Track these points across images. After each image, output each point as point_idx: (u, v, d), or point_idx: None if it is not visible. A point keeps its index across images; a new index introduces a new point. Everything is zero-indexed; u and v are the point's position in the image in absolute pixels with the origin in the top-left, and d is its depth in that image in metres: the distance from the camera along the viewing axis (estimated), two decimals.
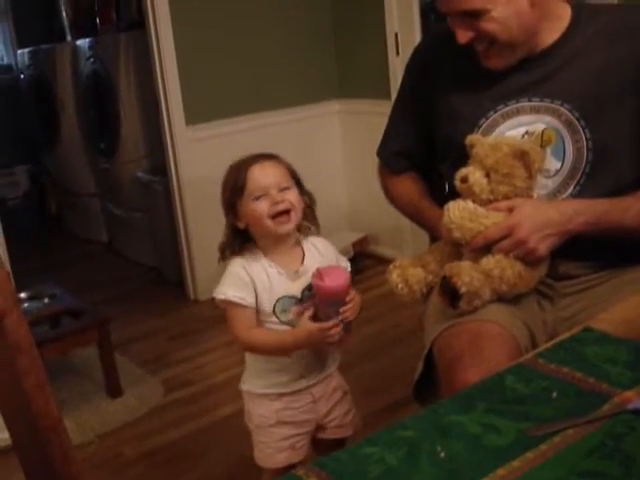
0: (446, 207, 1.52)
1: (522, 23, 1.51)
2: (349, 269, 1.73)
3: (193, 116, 3.75)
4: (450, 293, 1.48)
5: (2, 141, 6.23)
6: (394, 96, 1.90)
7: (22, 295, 3.05)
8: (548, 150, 1.56)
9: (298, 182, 1.68)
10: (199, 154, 3.77)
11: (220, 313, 1.71)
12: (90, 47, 4.70)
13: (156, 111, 3.78)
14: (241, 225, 1.66)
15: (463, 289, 1.45)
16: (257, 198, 1.61)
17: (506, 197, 1.51)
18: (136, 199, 4.46)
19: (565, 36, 1.57)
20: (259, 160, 1.64)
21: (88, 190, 5.14)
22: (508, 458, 0.91)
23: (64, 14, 5.45)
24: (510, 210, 1.48)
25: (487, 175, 1.50)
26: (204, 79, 3.77)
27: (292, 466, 1.71)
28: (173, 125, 3.71)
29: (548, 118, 1.56)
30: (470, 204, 1.50)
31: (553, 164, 1.56)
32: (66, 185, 5.41)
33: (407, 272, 1.59)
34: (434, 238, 1.75)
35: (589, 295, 1.58)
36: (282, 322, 1.66)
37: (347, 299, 1.61)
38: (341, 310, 1.61)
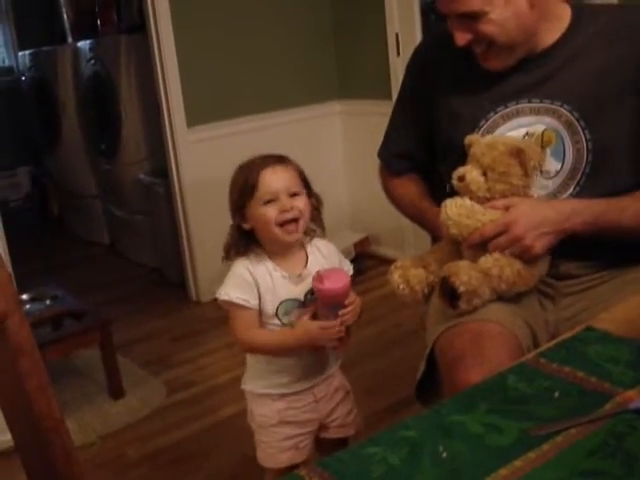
0: (443, 204, 1.52)
1: (521, 24, 1.51)
2: (351, 272, 1.73)
3: (194, 118, 3.76)
4: (449, 293, 1.49)
5: (3, 143, 6.24)
6: (395, 96, 1.90)
7: (24, 297, 3.05)
8: (548, 151, 1.56)
9: (307, 184, 1.68)
10: (200, 156, 3.77)
11: (222, 314, 1.71)
12: (91, 49, 4.70)
13: (157, 113, 3.79)
14: (247, 226, 1.65)
15: (462, 288, 1.45)
16: (266, 203, 1.60)
17: (503, 195, 1.51)
18: (138, 201, 4.46)
19: (565, 36, 1.57)
20: (271, 163, 1.63)
21: (90, 192, 5.15)
22: (510, 458, 0.91)
23: (65, 16, 5.45)
24: (507, 208, 1.49)
25: (484, 174, 1.51)
26: (205, 81, 3.77)
27: (295, 466, 1.71)
28: (174, 127, 3.72)
29: (548, 119, 1.56)
30: (467, 201, 1.51)
31: (553, 165, 1.56)
32: (68, 187, 5.42)
33: (408, 273, 1.59)
34: (435, 239, 1.75)
35: (591, 295, 1.58)
36: (284, 324, 1.66)
37: (347, 302, 1.62)
38: (340, 313, 1.61)
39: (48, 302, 3.07)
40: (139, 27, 4.07)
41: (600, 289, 1.58)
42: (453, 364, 1.43)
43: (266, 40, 3.96)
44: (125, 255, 4.81)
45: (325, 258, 1.71)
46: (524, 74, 1.58)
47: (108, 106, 4.54)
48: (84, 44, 4.81)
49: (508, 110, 1.59)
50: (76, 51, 4.94)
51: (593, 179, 1.54)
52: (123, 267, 4.68)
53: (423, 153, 1.80)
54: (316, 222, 1.72)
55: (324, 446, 1.81)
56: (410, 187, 1.83)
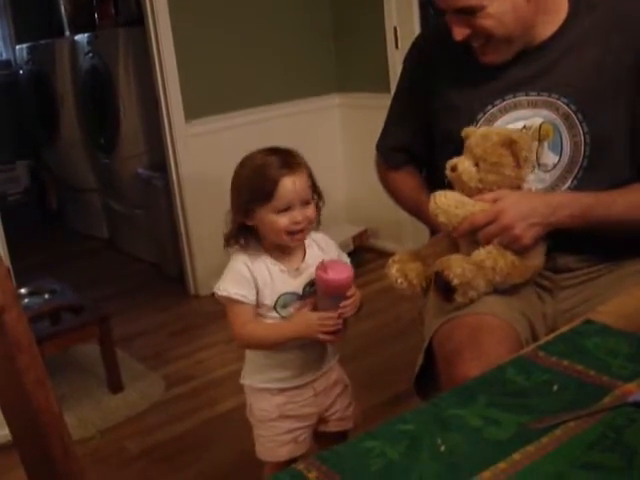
0: (432, 195, 1.52)
1: (518, 17, 1.50)
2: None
3: (192, 111, 3.75)
4: (444, 287, 1.48)
5: (2, 137, 6.22)
6: (394, 89, 1.90)
7: (22, 291, 3.05)
8: (545, 144, 1.56)
9: (314, 184, 1.65)
10: (199, 149, 3.76)
11: (220, 308, 1.71)
12: (89, 42, 4.69)
13: (155, 106, 3.78)
14: (250, 223, 1.63)
15: (455, 281, 1.46)
16: (280, 212, 1.58)
17: (496, 186, 1.51)
18: (136, 195, 4.46)
19: (562, 29, 1.57)
20: (287, 169, 1.57)
21: (88, 186, 5.14)
22: (509, 451, 0.91)
23: (63, 9, 5.44)
24: (495, 201, 1.48)
25: (476, 164, 1.51)
26: (203, 74, 3.77)
27: (294, 460, 1.71)
28: (172, 120, 3.71)
29: (545, 112, 1.55)
30: (457, 194, 1.51)
31: (550, 158, 1.56)
32: (66, 180, 5.41)
33: (406, 266, 1.59)
34: (433, 232, 1.75)
35: (589, 287, 1.58)
36: (282, 317, 1.66)
37: (348, 294, 1.61)
38: (341, 305, 1.61)
39: (46, 296, 3.07)
40: (137, 20, 4.07)
41: (598, 282, 1.58)
42: (451, 357, 1.43)
43: (265, 33, 3.95)
44: (124, 249, 4.81)
45: (322, 250, 1.71)
46: (522, 67, 1.58)
47: (106, 100, 4.53)
48: (82, 37, 4.80)
49: (505, 103, 1.59)
50: (74, 44, 4.93)
51: (591, 172, 1.54)
52: (122, 261, 4.68)
53: (421, 146, 1.80)
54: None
55: (323, 440, 1.81)
56: (408, 180, 1.83)
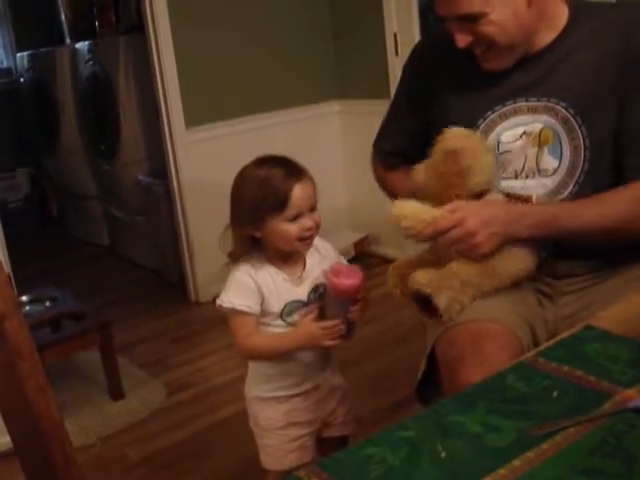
0: (393, 202, 1.52)
1: (520, 24, 1.50)
2: None
3: (193, 118, 3.75)
4: (422, 302, 1.50)
5: (3, 144, 6.24)
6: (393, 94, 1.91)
7: (23, 298, 3.05)
8: (545, 149, 1.56)
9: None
10: (199, 156, 3.77)
11: (221, 315, 1.71)
12: (89, 50, 4.70)
13: (156, 114, 3.79)
14: (259, 235, 1.62)
15: (445, 317, 1.49)
16: (291, 220, 1.58)
17: (454, 195, 1.50)
18: (137, 202, 4.46)
19: (562, 35, 1.57)
20: (296, 177, 1.58)
21: (89, 193, 5.15)
22: (509, 457, 0.91)
23: (63, 17, 5.45)
24: (453, 212, 1.47)
25: (431, 171, 1.52)
26: (204, 81, 3.77)
27: (295, 468, 1.71)
28: (173, 127, 3.71)
29: (545, 117, 1.56)
30: (416, 202, 1.50)
31: (551, 163, 1.56)
32: (67, 188, 5.42)
33: (405, 273, 1.59)
34: None
35: (590, 293, 1.58)
36: (288, 324, 1.66)
37: (359, 297, 1.62)
38: (352, 309, 1.62)
39: (47, 304, 3.07)
40: (137, 28, 4.08)
41: (599, 288, 1.58)
42: (453, 364, 1.43)
43: (265, 40, 3.96)
44: (124, 256, 4.81)
45: (322, 256, 1.72)
46: (522, 73, 1.58)
47: (107, 107, 4.54)
48: (82, 45, 4.81)
49: (505, 109, 1.59)
50: (74, 52, 4.94)
51: (592, 176, 1.54)
52: (122, 268, 4.68)
53: (417, 150, 1.80)
54: None
55: (324, 446, 1.81)
56: (405, 182, 1.83)
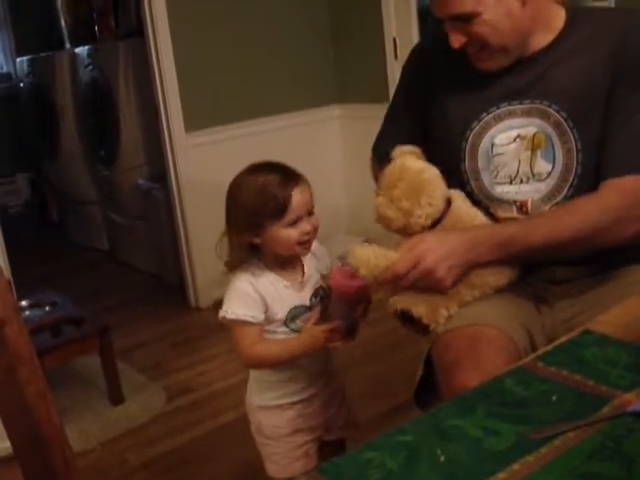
0: (350, 248, 1.52)
1: (514, 25, 1.51)
2: None
3: (193, 123, 3.76)
4: (409, 322, 1.51)
5: (2, 149, 6.24)
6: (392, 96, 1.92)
7: (23, 303, 3.05)
8: (538, 153, 1.56)
9: None
10: (199, 161, 3.77)
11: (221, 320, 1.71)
12: (89, 55, 4.71)
13: (155, 118, 3.79)
14: (258, 241, 1.62)
15: (432, 326, 1.50)
16: (290, 225, 1.58)
17: (410, 225, 1.52)
18: (137, 206, 4.46)
19: (558, 39, 1.57)
20: (294, 184, 1.59)
21: (89, 198, 5.15)
22: (508, 461, 0.91)
23: (63, 22, 5.46)
24: (411, 249, 1.47)
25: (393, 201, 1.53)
26: (203, 86, 3.78)
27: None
28: (172, 132, 3.72)
29: (538, 121, 1.56)
30: (375, 246, 1.50)
31: (544, 167, 1.56)
32: (67, 193, 5.42)
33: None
34: None
35: (587, 298, 1.58)
36: (292, 330, 1.66)
37: (365, 298, 1.63)
38: (358, 309, 1.63)
39: (47, 309, 3.07)
40: (137, 33, 4.09)
41: (596, 292, 1.58)
42: (450, 368, 1.43)
43: (264, 45, 3.97)
44: (124, 261, 4.81)
45: (318, 259, 1.73)
46: (517, 76, 1.58)
47: (106, 112, 4.55)
48: (82, 50, 4.82)
49: (500, 111, 1.59)
50: (74, 57, 4.95)
51: (586, 180, 1.54)
52: (122, 273, 4.68)
53: None
54: None
55: (323, 450, 1.81)
56: None
